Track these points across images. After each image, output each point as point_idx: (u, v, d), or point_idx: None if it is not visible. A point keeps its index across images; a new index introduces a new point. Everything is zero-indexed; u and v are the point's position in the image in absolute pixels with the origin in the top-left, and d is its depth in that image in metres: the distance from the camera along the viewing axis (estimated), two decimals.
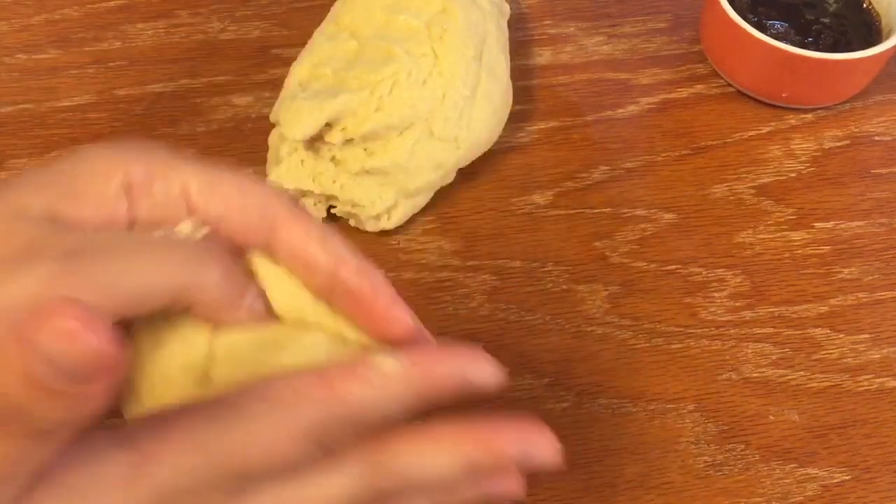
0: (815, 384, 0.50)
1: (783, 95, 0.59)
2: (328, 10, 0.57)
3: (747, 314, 0.52)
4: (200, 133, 0.57)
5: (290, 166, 0.52)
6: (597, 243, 0.54)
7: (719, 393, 0.50)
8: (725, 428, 0.49)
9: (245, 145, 0.57)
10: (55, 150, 0.56)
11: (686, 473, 0.47)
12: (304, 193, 0.53)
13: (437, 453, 0.30)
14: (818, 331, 0.52)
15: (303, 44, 0.56)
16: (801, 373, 0.51)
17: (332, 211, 0.54)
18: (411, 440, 0.30)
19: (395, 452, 0.30)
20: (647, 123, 0.60)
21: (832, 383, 0.50)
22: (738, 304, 0.53)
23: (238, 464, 0.28)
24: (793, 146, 0.59)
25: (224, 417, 0.28)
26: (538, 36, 0.63)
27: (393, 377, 0.29)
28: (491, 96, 0.55)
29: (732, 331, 0.52)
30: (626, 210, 0.56)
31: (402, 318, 0.33)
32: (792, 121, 0.60)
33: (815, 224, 0.56)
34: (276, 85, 0.55)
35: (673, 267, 0.54)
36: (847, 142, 0.60)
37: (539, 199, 0.56)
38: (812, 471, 0.48)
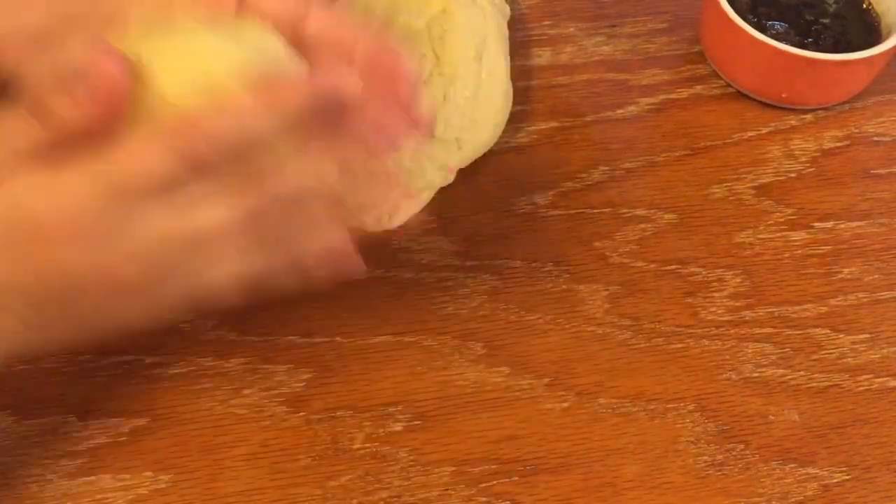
0: (815, 384, 0.50)
1: (783, 95, 0.59)
2: None
3: (747, 314, 0.52)
4: None
5: None
6: (597, 243, 0.54)
7: (719, 393, 0.50)
8: (725, 428, 0.49)
9: None
10: None
11: (686, 473, 0.47)
12: None
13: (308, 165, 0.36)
14: (818, 331, 0.52)
15: None
16: (801, 373, 0.51)
17: None
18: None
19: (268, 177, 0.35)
20: (647, 124, 0.60)
21: (832, 383, 0.50)
22: (738, 304, 0.53)
23: (117, 177, 0.33)
24: (793, 146, 0.59)
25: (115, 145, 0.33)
26: (538, 36, 0.63)
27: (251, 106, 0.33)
28: (491, 97, 0.55)
29: (732, 331, 0.52)
30: (626, 210, 0.56)
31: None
32: (792, 121, 0.60)
33: (815, 224, 0.56)
34: None
35: (673, 267, 0.54)
36: (847, 142, 0.60)
37: (539, 199, 0.56)
38: (812, 470, 0.48)
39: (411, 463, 0.47)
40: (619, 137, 0.59)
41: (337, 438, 0.47)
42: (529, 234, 0.54)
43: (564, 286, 0.53)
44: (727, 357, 0.51)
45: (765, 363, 0.51)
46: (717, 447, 0.48)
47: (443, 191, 0.55)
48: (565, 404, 0.49)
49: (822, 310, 0.53)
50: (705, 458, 0.48)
